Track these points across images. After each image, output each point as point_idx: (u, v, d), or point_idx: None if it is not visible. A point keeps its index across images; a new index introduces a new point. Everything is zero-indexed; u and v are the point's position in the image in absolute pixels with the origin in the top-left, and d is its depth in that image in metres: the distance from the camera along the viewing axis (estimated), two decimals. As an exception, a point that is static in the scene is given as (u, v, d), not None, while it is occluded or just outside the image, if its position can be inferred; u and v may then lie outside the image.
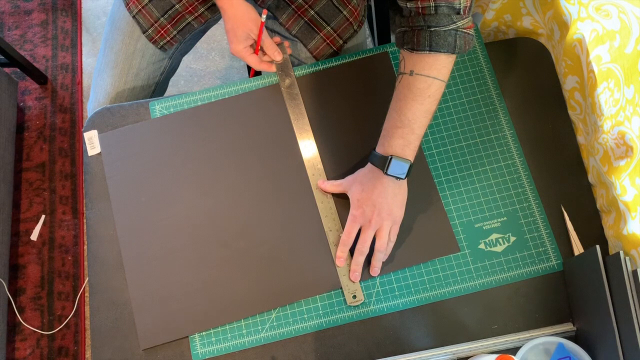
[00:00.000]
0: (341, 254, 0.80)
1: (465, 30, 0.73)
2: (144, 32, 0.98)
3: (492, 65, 0.91)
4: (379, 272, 0.80)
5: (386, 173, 0.76)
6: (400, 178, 0.77)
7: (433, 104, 0.76)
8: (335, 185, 0.83)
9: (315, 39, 0.98)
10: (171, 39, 0.99)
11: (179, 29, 0.99)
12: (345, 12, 0.97)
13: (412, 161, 0.77)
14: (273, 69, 0.91)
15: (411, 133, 0.76)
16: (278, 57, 0.91)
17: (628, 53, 0.69)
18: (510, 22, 0.96)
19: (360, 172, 0.81)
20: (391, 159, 0.75)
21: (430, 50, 0.73)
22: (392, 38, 1.40)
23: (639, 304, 0.66)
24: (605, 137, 0.76)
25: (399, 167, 0.76)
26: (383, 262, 0.80)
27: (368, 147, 0.82)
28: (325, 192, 0.84)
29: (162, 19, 0.97)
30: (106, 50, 1.00)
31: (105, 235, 0.85)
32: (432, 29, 0.72)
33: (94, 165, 0.88)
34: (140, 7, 0.97)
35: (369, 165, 0.80)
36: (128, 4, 0.98)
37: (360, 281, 0.80)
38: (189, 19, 0.98)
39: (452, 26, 0.72)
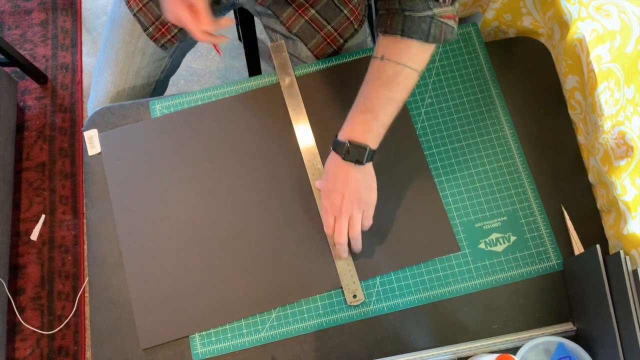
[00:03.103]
0: (332, 245, 0.80)
1: (442, 19, 0.71)
2: (144, 31, 0.98)
3: (492, 65, 0.91)
4: (360, 250, 0.80)
5: (344, 159, 0.74)
6: (360, 163, 0.74)
7: (401, 92, 0.73)
8: (319, 183, 0.82)
9: (315, 38, 0.98)
10: (172, 37, 0.99)
11: (180, 27, 0.99)
12: (345, 11, 0.97)
13: (373, 147, 0.74)
14: (218, 40, 0.74)
15: (374, 119, 0.73)
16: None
17: (628, 53, 0.69)
18: (511, 21, 0.96)
19: (327, 162, 0.79)
20: (348, 144, 0.73)
21: (402, 35, 0.70)
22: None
23: (639, 303, 0.66)
24: (606, 137, 0.76)
25: (356, 153, 0.73)
26: (383, 259, 0.80)
27: (368, 146, 0.82)
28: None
29: (163, 17, 0.97)
30: (107, 48, 1.00)
31: (105, 235, 0.84)
32: (407, 13, 0.70)
33: (94, 164, 0.88)
34: (141, 5, 0.96)
35: (331, 152, 0.77)
36: (129, 2, 0.98)
37: (360, 281, 0.80)
38: (189, 19, 0.98)
39: (428, 12, 0.69)
